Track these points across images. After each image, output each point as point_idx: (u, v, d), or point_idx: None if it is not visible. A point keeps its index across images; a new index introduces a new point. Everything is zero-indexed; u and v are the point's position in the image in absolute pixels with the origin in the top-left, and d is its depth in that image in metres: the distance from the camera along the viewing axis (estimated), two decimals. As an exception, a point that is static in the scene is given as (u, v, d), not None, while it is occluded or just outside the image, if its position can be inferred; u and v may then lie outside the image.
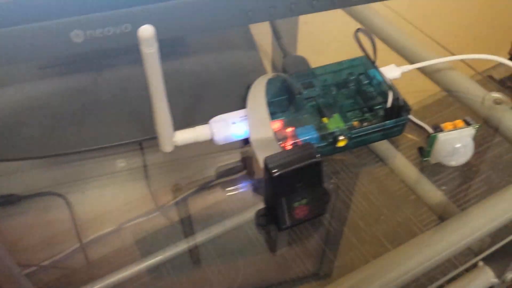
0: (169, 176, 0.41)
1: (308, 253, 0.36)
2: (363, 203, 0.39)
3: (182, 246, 0.36)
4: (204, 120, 0.38)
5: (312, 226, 0.37)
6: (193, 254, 0.36)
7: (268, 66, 0.48)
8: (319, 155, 0.32)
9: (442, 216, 0.38)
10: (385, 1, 0.44)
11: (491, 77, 1.61)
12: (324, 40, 0.54)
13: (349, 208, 0.39)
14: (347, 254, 0.36)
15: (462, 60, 0.46)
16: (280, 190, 0.33)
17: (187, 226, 0.38)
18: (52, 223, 0.38)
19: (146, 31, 0.27)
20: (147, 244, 0.36)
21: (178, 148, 0.37)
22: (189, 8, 0.36)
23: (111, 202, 0.39)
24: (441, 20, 1.08)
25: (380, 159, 0.42)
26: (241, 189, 0.40)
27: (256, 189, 0.40)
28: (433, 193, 0.39)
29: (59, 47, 0.36)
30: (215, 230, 0.37)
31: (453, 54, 0.46)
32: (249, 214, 0.37)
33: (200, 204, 0.40)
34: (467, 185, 0.40)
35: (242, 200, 0.40)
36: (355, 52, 0.40)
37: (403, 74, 0.42)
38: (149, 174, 0.41)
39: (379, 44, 0.50)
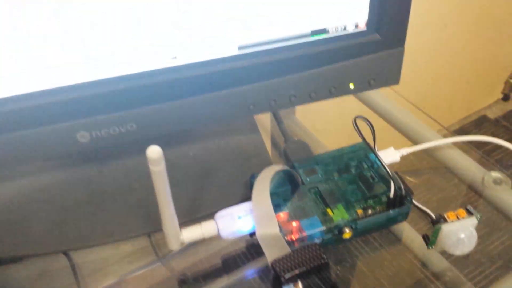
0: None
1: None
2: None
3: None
4: (209, 208, 0.39)
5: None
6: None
7: (269, 147, 0.49)
8: (325, 256, 0.32)
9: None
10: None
11: (485, 116, 1.60)
12: (325, 120, 0.55)
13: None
14: None
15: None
16: (288, 291, 0.33)
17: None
18: (55, 279, 0.38)
19: (154, 152, 0.27)
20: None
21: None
22: (192, 106, 0.37)
23: (112, 254, 0.40)
24: (433, 68, 1.11)
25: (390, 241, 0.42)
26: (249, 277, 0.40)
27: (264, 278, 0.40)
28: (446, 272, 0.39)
29: (65, 147, 0.37)
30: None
31: (453, 134, 0.47)
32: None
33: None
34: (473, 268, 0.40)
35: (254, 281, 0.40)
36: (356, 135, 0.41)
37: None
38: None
39: (380, 122, 0.51)
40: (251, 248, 0.40)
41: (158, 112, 0.37)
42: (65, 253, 0.39)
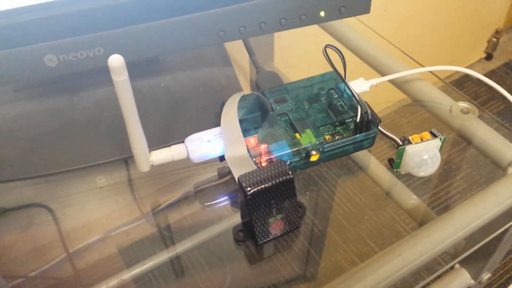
0: (150, 189, 0.42)
1: (294, 256, 0.37)
2: (345, 208, 0.40)
3: (168, 253, 0.37)
4: (181, 137, 0.39)
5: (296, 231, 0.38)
6: (180, 261, 0.37)
7: (244, 82, 0.49)
8: (290, 172, 0.33)
9: (420, 221, 0.39)
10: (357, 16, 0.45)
11: (467, 76, 1.62)
12: (298, 54, 0.55)
13: (330, 214, 0.40)
14: (333, 255, 0.37)
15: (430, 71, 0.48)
16: (255, 207, 0.34)
17: (172, 233, 0.39)
18: (38, 234, 0.38)
19: (116, 60, 0.27)
20: (133, 252, 0.37)
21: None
22: (160, 30, 0.37)
23: (96, 211, 0.40)
24: (418, 25, 1.10)
25: (359, 167, 0.43)
26: (221, 203, 0.41)
27: (235, 202, 0.41)
28: (409, 199, 0.41)
29: (33, 71, 0.37)
30: (201, 236, 0.38)
31: (421, 65, 0.48)
32: (235, 219, 0.38)
33: (183, 213, 0.40)
34: (438, 192, 0.41)
35: (225, 207, 0.41)
36: (328, 65, 0.41)
37: (373, 86, 0.44)
38: (132, 186, 0.42)
39: (351, 56, 0.52)
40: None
41: (125, 36, 0.37)
42: (48, 208, 0.40)
